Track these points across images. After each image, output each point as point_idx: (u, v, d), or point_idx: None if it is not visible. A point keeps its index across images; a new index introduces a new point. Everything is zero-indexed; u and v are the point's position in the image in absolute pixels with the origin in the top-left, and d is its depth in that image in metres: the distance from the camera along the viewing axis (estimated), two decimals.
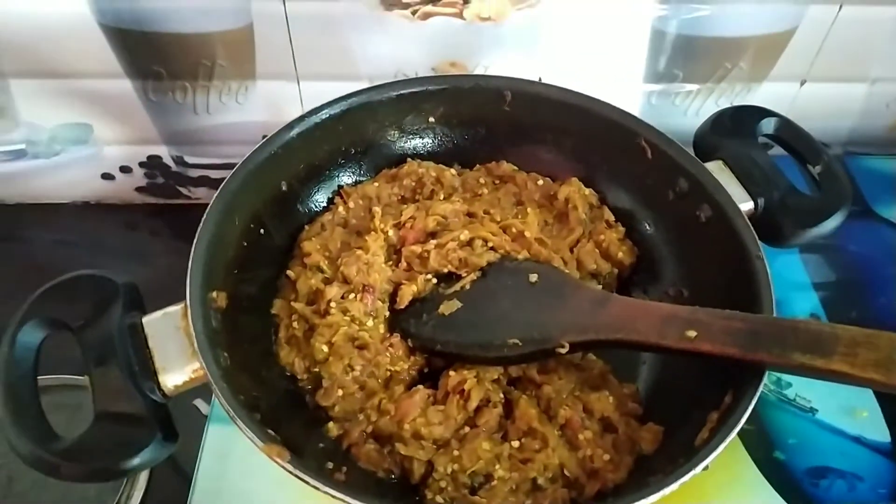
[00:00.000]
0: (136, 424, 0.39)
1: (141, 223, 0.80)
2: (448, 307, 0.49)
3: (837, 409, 0.57)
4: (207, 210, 0.47)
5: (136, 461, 0.38)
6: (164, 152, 0.77)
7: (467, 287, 0.50)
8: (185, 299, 0.43)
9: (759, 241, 0.47)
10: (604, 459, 0.44)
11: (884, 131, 0.81)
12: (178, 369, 0.41)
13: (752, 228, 0.48)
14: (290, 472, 0.37)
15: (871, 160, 0.77)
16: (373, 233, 0.53)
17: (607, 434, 0.46)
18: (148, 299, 0.45)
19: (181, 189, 0.81)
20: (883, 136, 0.81)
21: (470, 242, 0.52)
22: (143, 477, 0.56)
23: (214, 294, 0.46)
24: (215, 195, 0.48)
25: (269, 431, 0.40)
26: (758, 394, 0.40)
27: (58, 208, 0.80)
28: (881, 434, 0.56)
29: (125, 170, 0.78)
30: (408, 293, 0.50)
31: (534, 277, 0.49)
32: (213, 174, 0.79)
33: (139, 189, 0.80)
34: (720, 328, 0.40)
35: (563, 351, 0.45)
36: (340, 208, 0.56)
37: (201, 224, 0.47)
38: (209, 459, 0.53)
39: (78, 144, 0.75)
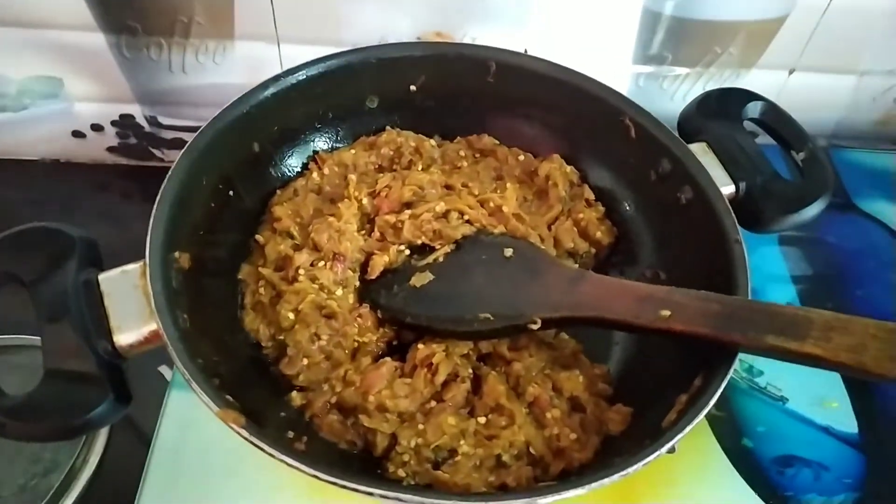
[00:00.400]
0: (88, 384, 0.38)
1: (112, 184, 0.78)
2: (420, 279, 0.48)
3: (807, 398, 0.57)
4: (173, 167, 0.46)
5: (85, 421, 0.37)
6: (138, 112, 0.74)
7: (440, 259, 0.49)
8: (145, 257, 0.41)
9: (738, 226, 0.47)
10: (570, 439, 0.43)
11: (870, 125, 0.80)
12: (133, 329, 0.40)
13: (731, 212, 0.47)
14: (246, 440, 0.36)
15: (856, 153, 0.77)
16: (346, 200, 0.51)
17: (575, 413, 0.45)
18: (117, 263, 0.43)
19: (154, 151, 0.79)
20: (869, 129, 0.81)
21: (445, 214, 0.50)
22: (101, 441, 0.54)
23: (177, 254, 0.44)
24: (182, 152, 0.47)
25: (228, 397, 0.39)
26: (727, 378, 0.40)
27: (26, 165, 0.77)
28: (849, 425, 0.56)
29: (97, 128, 0.76)
30: (379, 263, 0.49)
31: (509, 252, 0.48)
32: (188, 137, 0.75)
33: (111, 149, 0.78)
34: (695, 309, 0.40)
35: (536, 327, 0.44)
36: (314, 174, 0.55)
37: (166, 181, 0.45)
38: (169, 425, 0.52)
39: (48, 99, 0.72)
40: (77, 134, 0.76)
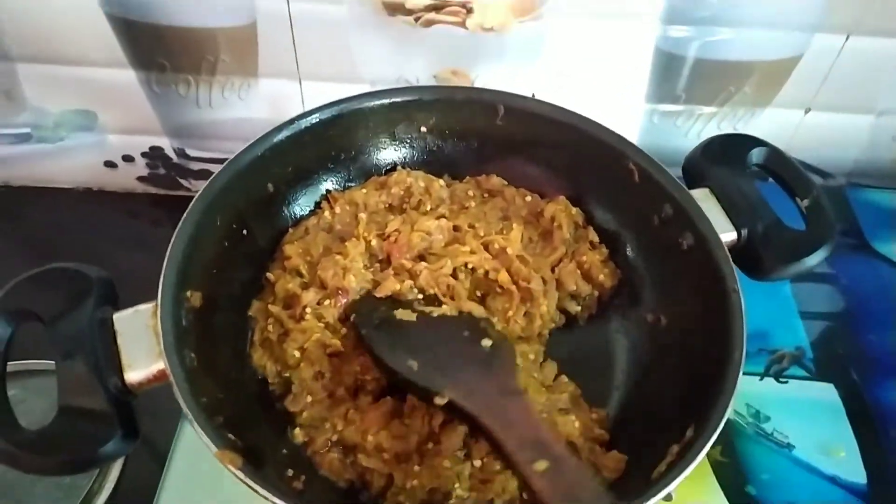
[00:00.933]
0: (99, 420, 0.39)
1: (142, 212, 0.81)
2: (404, 314, 0.48)
3: (815, 446, 0.56)
4: (188, 209, 0.47)
5: (94, 457, 0.39)
6: (167, 144, 0.77)
7: (434, 315, 0.49)
8: (157, 297, 0.43)
9: (736, 275, 0.47)
10: None
11: (889, 164, 0.79)
12: (143, 367, 0.41)
13: (730, 260, 0.47)
14: (241, 481, 0.37)
15: (874, 193, 0.76)
16: (354, 239, 0.53)
17: None
18: (145, 289, 0.44)
19: (182, 181, 0.81)
20: (888, 168, 0.79)
21: (454, 274, 0.51)
22: (118, 464, 0.56)
23: (189, 293, 0.46)
24: (198, 194, 0.49)
25: (230, 436, 0.40)
26: (716, 433, 0.40)
27: (61, 193, 0.81)
28: (857, 475, 0.55)
29: (128, 159, 0.79)
30: (390, 287, 0.50)
31: (487, 343, 0.47)
32: (214, 168, 0.78)
33: (141, 178, 0.81)
34: (569, 484, 0.38)
35: (440, 402, 0.43)
36: (326, 213, 0.56)
37: (180, 223, 0.47)
38: (183, 450, 0.54)
39: (82, 131, 0.76)
40: (109, 164, 0.79)
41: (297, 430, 0.47)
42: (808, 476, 0.55)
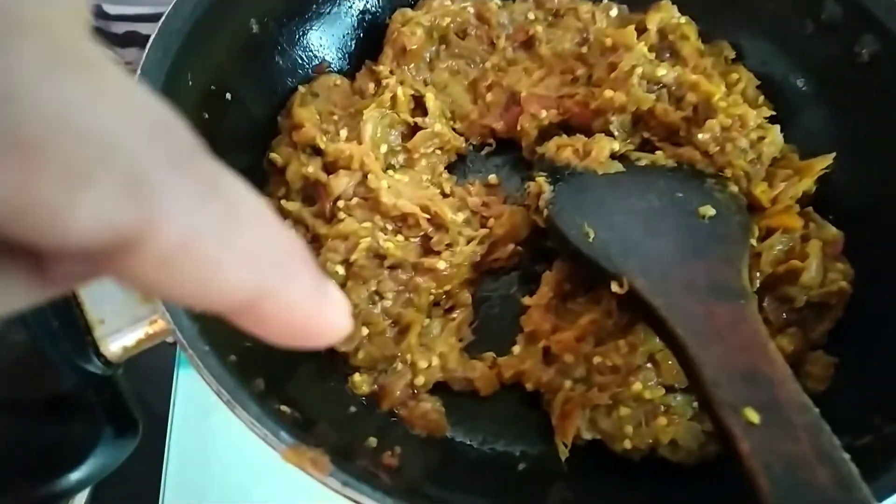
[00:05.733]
0: (70, 419, 0.24)
1: None
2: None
3: None
4: (143, 62, 0.31)
5: (70, 481, 0.24)
6: None
7: (641, 163, 0.37)
8: None
9: None
10: None
11: None
12: (124, 322, 0.27)
13: None
14: (332, 489, 0.23)
15: None
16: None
17: None
18: None
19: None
20: None
21: None
22: None
23: None
24: (152, 38, 0.32)
25: (282, 408, 0.26)
26: None
27: None
28: None
29: None
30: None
31: (708, 211, 0.34)
32: (145, 29, 0.61)
33: None
34: (789, 455, 0.24)
35: (617, 290, 0.30)
36: (399, 91, 0.39)
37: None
38: (183, 420, 0.39)
39: None
40: None
41: (357, 378, 0.34)
42: None
